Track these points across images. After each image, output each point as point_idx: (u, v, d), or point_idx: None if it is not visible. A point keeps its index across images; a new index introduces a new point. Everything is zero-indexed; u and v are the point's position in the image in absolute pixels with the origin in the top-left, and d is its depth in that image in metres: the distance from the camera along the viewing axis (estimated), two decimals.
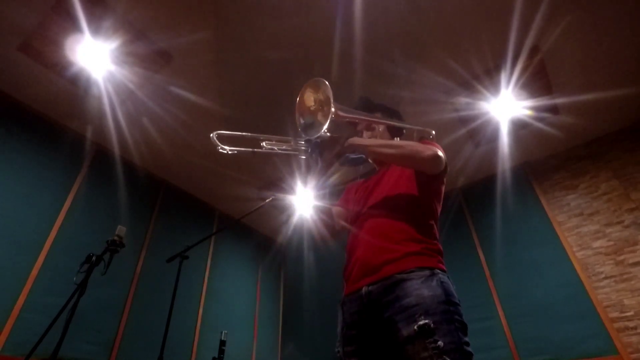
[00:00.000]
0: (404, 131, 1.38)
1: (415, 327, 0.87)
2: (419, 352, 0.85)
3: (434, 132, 1.36)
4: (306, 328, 4.11)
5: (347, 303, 1.06)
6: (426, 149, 1.05)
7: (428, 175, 1.11)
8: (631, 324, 2.50)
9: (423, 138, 1.24)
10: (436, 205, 1.15)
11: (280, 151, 1.16)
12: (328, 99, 1.11)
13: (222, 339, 2.61)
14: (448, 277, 0.98)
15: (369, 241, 1.07)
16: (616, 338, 2.50)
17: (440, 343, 0.84)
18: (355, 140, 1.14)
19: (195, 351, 3.22)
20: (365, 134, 1.36)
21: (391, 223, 1.07)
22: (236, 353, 3.58)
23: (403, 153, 1.06)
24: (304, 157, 1.18)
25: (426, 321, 0.87)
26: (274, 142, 1.18)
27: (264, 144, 1.18)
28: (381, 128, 1.35)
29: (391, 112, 1.41)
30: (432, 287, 0.92)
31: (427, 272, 0.95)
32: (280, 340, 4.32)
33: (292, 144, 1.19)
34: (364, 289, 1.01)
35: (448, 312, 0.89)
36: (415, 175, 1.14)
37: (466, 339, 0.88)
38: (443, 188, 1.19)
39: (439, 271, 0.97)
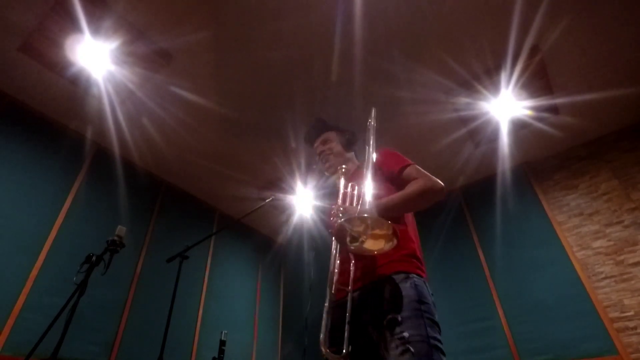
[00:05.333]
0: (356, 145, 1.53)
1: (385, 322, 0.97)
2: (387, 343, 0.94)
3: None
4: (306, 328, 4.10)
5: (335, 308, 1.11)
6: (429, 190, 1.13)
7: (391, 179, 1.23)
8: (631, 324, 2.50)
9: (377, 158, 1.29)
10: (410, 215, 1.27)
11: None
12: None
13: (222, 339, 2.61)
14: (425, 282, 1.07)
15: (351, 253, 1.16)
16: (616, 338, 2.50)
17: (405, 334, 0.92)
18: (380, 212, 1.12)
19: (195, 351, 3.21)
20: (320, 147, 1.53)
21: None
22: (236, 353, 3.58)
23: (418, 203, 1.15)
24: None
25: (394, 316, 0.96)
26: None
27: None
28: (334, 145, 1.51)
29: (343, 132, 1.58)
30: (406, 288, 1.01)
31: (402, 276, 1.04)
32: (280, 340, 4.32)
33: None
34: (348, 296, 1.10)
35: (417, 309, 0.97)
36: (379, 183, 1.21)
37: (436, 335, 0.95)
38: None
39: (414, 275, 1.05)
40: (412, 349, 0.90)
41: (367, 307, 1.06)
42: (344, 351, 0.97)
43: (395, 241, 0.92)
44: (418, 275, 1.07)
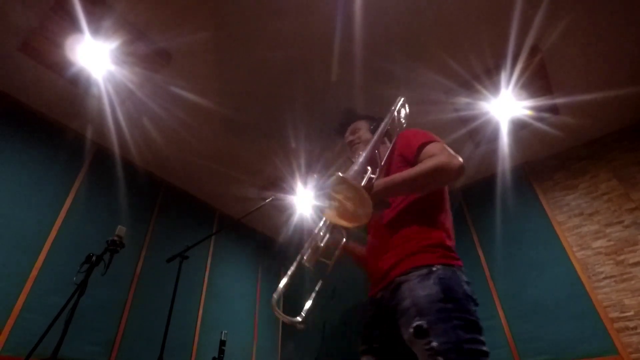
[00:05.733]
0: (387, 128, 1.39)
1: (411, 330, 0.86)
2: (419, 354, 0.85)
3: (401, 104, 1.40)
4: (306, 328, 4.10)
5: (368, 305, 1.09)
6: (443, 168, 0.97)
7: (411, 161, 1.09)
8: (631, 324, 2.50)
9: (401, 131, 1.26)
10: (437, 195, 1.11)
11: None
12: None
13: (222, 339, 2.61)
14: (455, 270, 0.93)
15: (377, 248, 1.11)
16: (616, 338, 2.50)
17: (434, 344, 0.81)
18: (377, 192, 1.02)
19: (195, 351, 3.21)
20: (349, 137, 1.47)
21: (392, 226, 1.09)
22: (236, 353, 3.58)
23: (432, 182, 1.02)
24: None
25: (420, 322, 0.85)
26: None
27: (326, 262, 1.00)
28: (362, 131, 1.44)
29: (372, 119, 1.50)
30: (428, 285, 0.89)
31: (424, 271, 0.93)
32: (280, 340, 4.32)
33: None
34: (378, 294, 1.04)
35: (444, 310, 0.85)
36: (402, 168, 1.10)
37: (469, 336, 0.82)
38: None
39: (438, 267, 0.93)
40: None
41: (394, 309, 0.95)
42: (299, 318, 0.85)
43: (365, 209, 0.83)
44: (444, 264, 0.93)
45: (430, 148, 1.07)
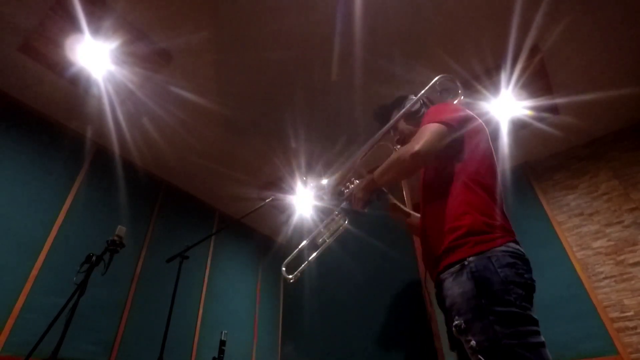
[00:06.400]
0: (421, 110, 1.38)
1: (454, 329, 0.87)
2: (467, 351, 0.85)
3: (412, 96, 1.40)
4: (306, 328, 4.10)
5: (434, 285, 1.07)
6: (399, 158, 1.04)
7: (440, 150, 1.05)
8: (631, 324, 2.50)
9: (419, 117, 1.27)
10: (466, 167, 1.03)
11: (333, 234, 1.23)
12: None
13: (222, 339, 2.61)
14: (490, 256, 0.87)
15: (421, 229, 1.12)
16: (616, 338, 2.50)
17: (472, 343, 0.80)
18: (362, 185, 1.18)
19: (195, 351, 3.21)
20: (395, 136, 1.40)
21: (430, 218, 1.07)
22: (236, 353, 3.58)
23: (392, 172, 1.09)
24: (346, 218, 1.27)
25: (458, 322, 0.85)
26: (326, 234, 1.26)
27: (320, 240, 1.27)
28: (400, 126, 1.37)
29: (402, 106, 1.41)
30: (462, 282, 0.87)
31: (457, 267, 0.90)
32: (280, 340, 4.32)
33: (335, 222, 1.25)
34: (435, 279, 1.04)
35: (479, 307, 0.82)
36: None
37: (508, 330, 0.77)
38: (475, 142, 1.08)
39: (471, 259, 0.88)
40: None
41: (444, 305, 0.95)
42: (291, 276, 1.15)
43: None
44: (477, 254, 0.88)
45: (419, 132, 1.06)
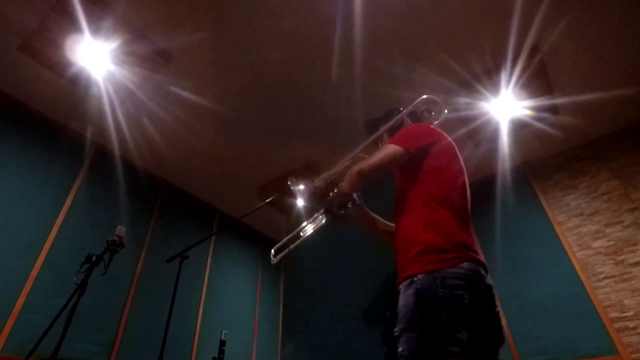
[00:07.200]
0: (402, 126, 1.46)
1: (395, 335, 0.94)
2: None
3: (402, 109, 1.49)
4: (306, 328, 4.10)
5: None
6: (351, 172, 1.16)
7: (400, 167, 1.20)
8: (631, 324, 2.50)
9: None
10: (428, 187, 1.11)
11: (313, 229, 1.38)
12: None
13: (222, 339, 2.60)
14: (437, 275, 0.92)
15: (393, 239, 1.19)
16: (616, 338, 2.50)
17: (399, 349, 0.88)
18: (337, 191, 1.25)
19: (195, 351, 3.21)
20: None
21: (396, 234, 1.15)
22: (236, 353, 3.58)
23: (347, 183, 1.18)
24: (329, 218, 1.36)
25: (396, 329, 0.93)
26: (307, 229, 1.41)
27: (302, 233, 1.41)
28: (385, 139, 1.46)
29: (388, 116, 1.52)
30: (407, 296, 0.94)
31: (408, 282, 0.97)
32: (280, 340, 4.32)
33: (318, 221, 1.39)
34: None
35: (413, 320, 0.89)
36: (398, 173, 1.23)
37: (430, 346, 0.84)
38: (438, 163, 1.16)
39: (420, 276, 0.94)
40: None
41: None
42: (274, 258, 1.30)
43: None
44: (427, 272, 0.94)
45: (377, 151, 1.18)
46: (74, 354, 2.43)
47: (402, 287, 0.98)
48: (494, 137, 3.31)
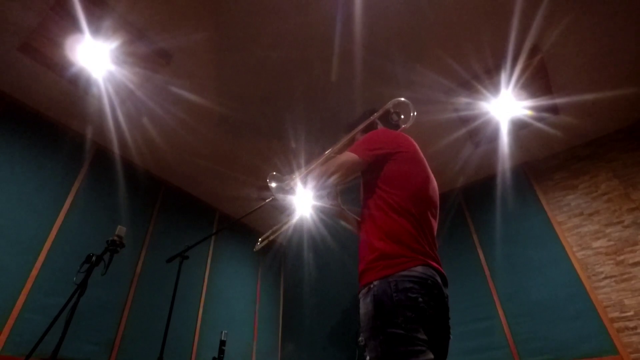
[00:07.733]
0: (373, 128, 1.48)
1: (361, 344, 0.96)
2: None
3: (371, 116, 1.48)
4: (306, 328, 4.10)
5: None
6: (310, 175, 1.20)
7: (362, 173, 1.22)
8: (631, 324, 2.50)
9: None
10: (386, 195, 1.12)
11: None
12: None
13: (222, 339, 2.61)
14: (390, 280, 0.94)
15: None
16: (616, 338, 2.50)
17: (367, 358, 0.90)
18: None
19: (195, 351, 3.21)
20: None
21: (360, 239, 1.15)
22: (236, 353, 3.58)
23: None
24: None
25: (361, 338, 0.95)
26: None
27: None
28: (358, 136, 1.46)
29: (364, 116, 1.51)
30: (367, 303, 0.96)
31: (365, 289, 0.99)
32: (280, 340, 4.32)
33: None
34: None
35: (375, 327, 0.91)
36: (361, 179, 1.24)
37: (393, 351, 0.86)
38: (397, 170, 1.16)
39: (375, 283, 0.96)
40: None
41: None
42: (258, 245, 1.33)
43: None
44: (382, 278, 0.96)
45: (335, 158, 1.20)
46: (74, 354, 2.43)
47: (361, 295, 1.00)
48: (493, 137, 3.31)
